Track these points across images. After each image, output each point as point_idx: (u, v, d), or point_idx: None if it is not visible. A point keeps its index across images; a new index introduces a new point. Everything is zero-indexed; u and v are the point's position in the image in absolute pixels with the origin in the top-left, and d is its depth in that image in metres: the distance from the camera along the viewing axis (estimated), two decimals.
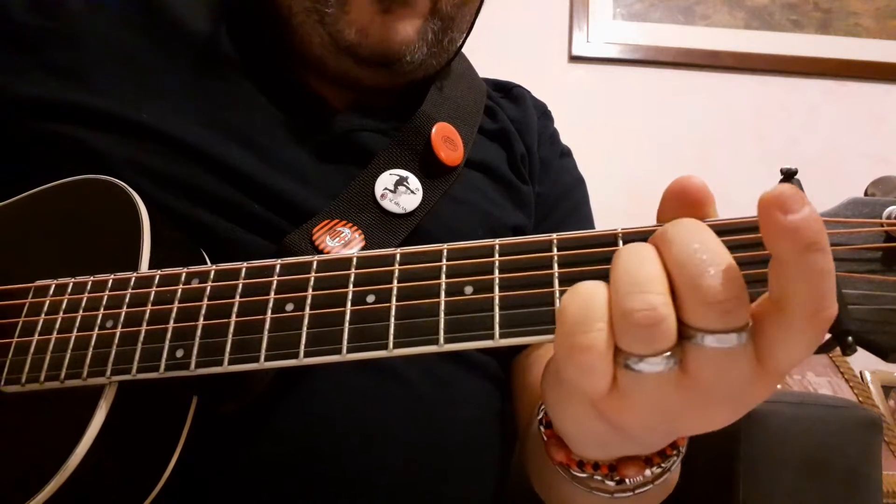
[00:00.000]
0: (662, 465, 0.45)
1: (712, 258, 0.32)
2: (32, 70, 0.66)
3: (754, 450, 0.82)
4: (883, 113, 1.91)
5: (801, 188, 0.35)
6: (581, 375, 0.34)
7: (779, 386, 1.44)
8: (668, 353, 0.32)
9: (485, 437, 0.69)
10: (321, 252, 0.61)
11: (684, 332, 0.33)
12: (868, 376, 1.61)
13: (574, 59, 1.90)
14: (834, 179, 1.70)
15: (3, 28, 0.68)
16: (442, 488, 0.63)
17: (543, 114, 0.92)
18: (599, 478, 0.45)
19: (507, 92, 0.92)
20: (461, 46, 0.79)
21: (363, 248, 0.63)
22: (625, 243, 0.39)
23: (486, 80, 0.89)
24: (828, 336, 0.34)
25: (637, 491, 0.46)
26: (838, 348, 0.33)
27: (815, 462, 0.82)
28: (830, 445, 0.83)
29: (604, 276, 0.38)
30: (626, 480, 0.45)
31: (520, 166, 0.81)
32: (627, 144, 1.85)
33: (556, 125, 0.94)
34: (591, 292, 0.34)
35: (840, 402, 0.92)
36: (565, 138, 0.93)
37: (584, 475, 0.46)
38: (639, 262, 0.34)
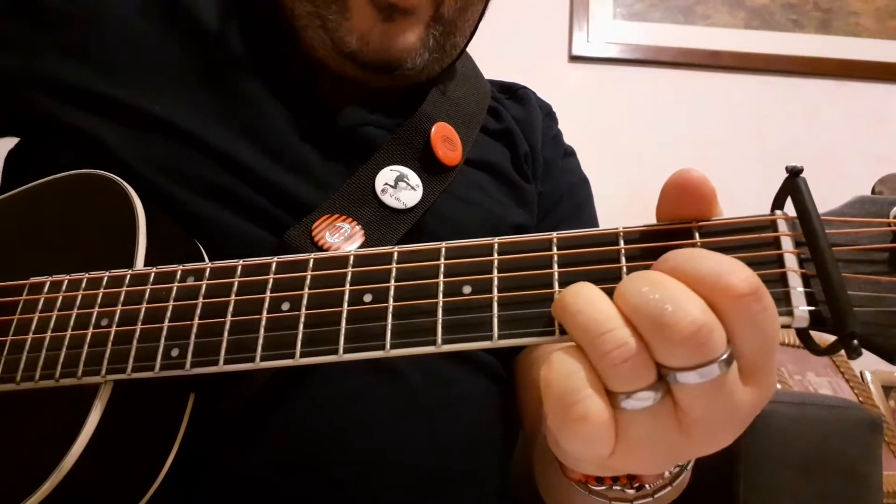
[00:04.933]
0: (680, 464, 0.45)
1: (665, 294, 0.32)
2: (50, 49, 0.66)
3: (754, 450, 0.82)
4: (883, 113, 1.91)
5: (808, 187, 0.35)
6: (584, 446, 0.33)
7: (779, 386, 1.44)
8: (654, 385, 0.32)
9: (487, 437, 0.69)
10: (321, 248, 0.61)
11: (664, 373, 0.32)
12: (868, 376, 1.61)
13: (574, 58, 1.90)
14: (835, 179, 1.69)
15: (24, 6, 0.68)
16: (444, 488, 0.63)
17: (548, 114, 0.92)
18: (619, 488, 0.45)
19: (513, 93, 0.92)
20: (464, 49, 0.79)
21: (363, 244, 0.63)
22: (626, 242, 0.39)
23: (492, 82, 0.90)
24: (833, 339, 0.33)
25: (656, 495, 0.46)
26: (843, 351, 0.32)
27: (816, 462, 0.82)
28: (831, 445, 0.83)
29: (603, 277, 0.38)
30: (647, 486, 0.45)
31: (523, 165, 0.81)
32: (628, 144, 1.85)
33: (558, 124, 0.94)
34: (566, 359, 0.34)
35: (840, 402, 0.92)
36: (565, 138, 0.93)
37: (603, 488, 0.46)
38: (589, 303, 0.34)
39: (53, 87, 0.65)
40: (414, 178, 0.69)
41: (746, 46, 1.91)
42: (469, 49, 0.81)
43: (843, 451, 0.83)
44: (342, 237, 0.62)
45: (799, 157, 1.84)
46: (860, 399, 1.53)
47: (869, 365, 1.63)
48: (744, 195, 1.43)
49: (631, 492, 0.45)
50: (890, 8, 1.97)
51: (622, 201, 1.59)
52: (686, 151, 1.85)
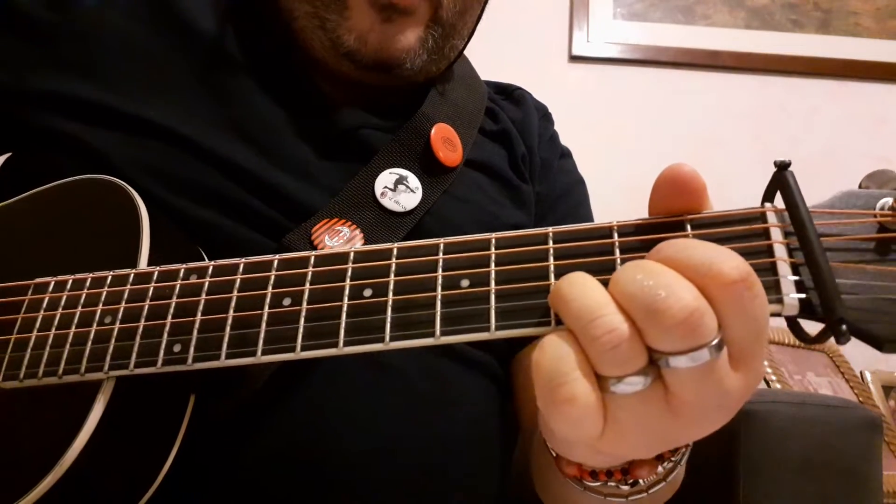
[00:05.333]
0: (673, 458, 0.46)
1: (658, 281, 0.32)
2: (42, 64, 0.66)
3: (754, 450, 0.82)
4: (883, 113, 1.91)
5: (795, 180, 0.35)
6: (572, 427, 0.34)
7: (779, 386, 1.44)
8: (644, 370, 0.33)
9: (484, 436, 0.69)
10: None
11: (655, 357, 0.33)
12: (868, 376, 1.61)
13: (574, 58, 1.90)
14: (834, 180, 1.69)
15: (15, 22, 0.68)
16: (442, 486, 0.63)
17: (544, 115, 0.93)
18: (613, 483, 0.46)
19: (509, 94, 0.92)
20: (462, 51, 0.79)
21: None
22: (620, 236, 0.39)
23: (488, 83, 0.90)
24: (821, 326, 0.34)
25: (651, 490, 0.46)
26: (833, 338, 0.33)
27: (816, 462, 0.82)
28: (831, 445, 0.83)
29: (598, 269, 0.38)
30: (641, 481, 0.45)
31: (520, 166, 0.81)
32: (627, 144, 1.85)
33: (556, 125, 0.94)
34: (557, 342, 0.35)
35: (840, 402, 0.92)
36: (565, 138, 0.94)
37: (597, 483, 0.46)
38: (583, 291, 0.35)
39: (48, 100, 0.64)
40: (413, 180, 0.69)
41: (746, 46, 1.91)
42: (469, 48, 0.81)
43: (843, 451, 0.83)
44: (341, 241, 0.62)
45: (799, 157, 1.84)
46: (860, 399, 1.53)
47: (869, 365, 1.63)
48: (743, 195, 1.43)
49: (626, 488, 0.46)
50: (890, 8, 1.97)
51: (621, 201, 1.58)
52: (686, 151, 1.85)
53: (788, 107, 1.90)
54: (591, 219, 0.90)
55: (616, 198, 1.60)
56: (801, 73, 1.91)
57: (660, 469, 0.45)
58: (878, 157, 1.84)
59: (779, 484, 0.81)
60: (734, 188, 1.63)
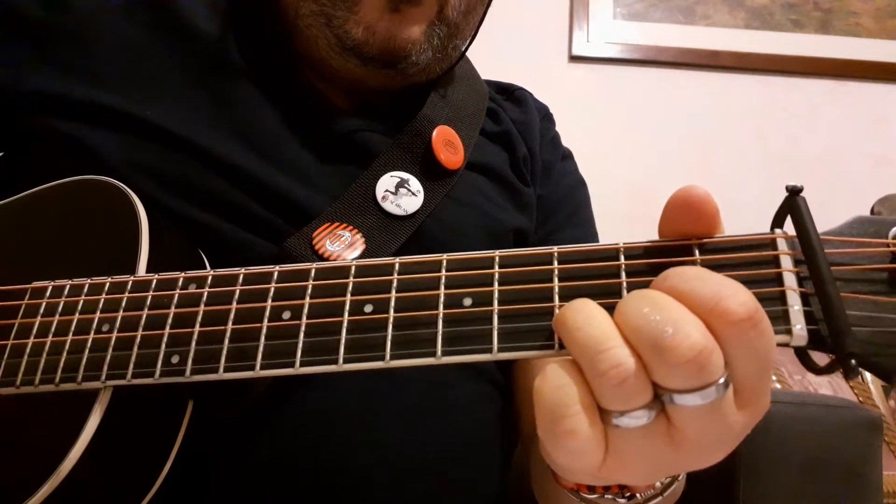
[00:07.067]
0: (671, 476, 0.46)
1: (667, 317, 0.32)
2: (38, 65, 0.66)
3: (754, 450, 0.82)
4: (883, 113, 1.91)
5: (807, 205, 0.35)
6: (572, 458, 0.34)
7: (779, 386, 1.44)
8: (648, 404, 0.32)
9: (485, 441, 0.69)
10: (321, 256, 0.60)
11: (660, 393, 0.32)
12: (868, 376, 1.61)
13: (574, 58, 1.90)
14: (834, 179, 1.70)
15: (11, 22, 0.67)
16: (442, 492, 0.63)
17: (545, 116, 0.92)
18: (610, 497, 0.46)
19: (510, 94, 0.92)
20: (464, 53, 0.79)
21: (364, 251, 0.63)
22: (626, 258, 0.39)
23: (489, 83, 0.89)
24: (830, 358, 0.33)
25: None
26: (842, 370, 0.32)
27: (816, 462, 0.82)
28: (831, 445, 0.83)
29: (604, 292, 0.38)
30: (638, 495, 0.45)
31: (522, 168, 0.81)
32: (628, 144, 1.84)
33: (556, 125, 0.94)
34: (560, 372, 0.34)
35: (840, 402, 0.92)
36: (565, 138, 0.93)
37: (594, 496, 0.46)
38: (589, 321, 0.34)
39: (44, 100, 0.64)
40: (415, 183, 0.68)
41: (746, 46, 1.91)
42: (470, 48, 0.81)
43: (843, 451, 0.83)
44: (343, 245, 0.62)
45: (799, 157, 1.85)
46: (860, 399, 1.53)
47: None
48: (744, 195, 1.43)
49: (623, 501, 0.46)
50: (890, 8, 1.97)
51: (622, 201, 1.59)
52: (686, 151, 1.85)
53: (789, 107, 1.90)
54: (591, 221, 0.89)
55: (617, 198, 1.60)
56: (801, 73, 1.91)
57: (658, 485, 0.45)
58: (878, 157, 1.85)
59: (778, 484, 0.81)
60: (735, 188, 1.64)
